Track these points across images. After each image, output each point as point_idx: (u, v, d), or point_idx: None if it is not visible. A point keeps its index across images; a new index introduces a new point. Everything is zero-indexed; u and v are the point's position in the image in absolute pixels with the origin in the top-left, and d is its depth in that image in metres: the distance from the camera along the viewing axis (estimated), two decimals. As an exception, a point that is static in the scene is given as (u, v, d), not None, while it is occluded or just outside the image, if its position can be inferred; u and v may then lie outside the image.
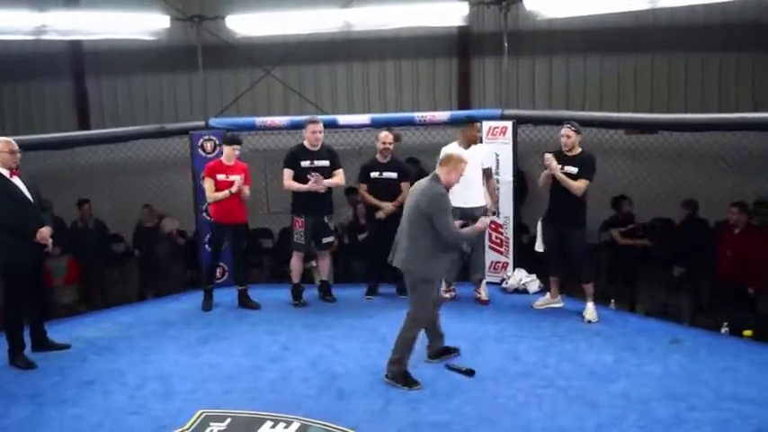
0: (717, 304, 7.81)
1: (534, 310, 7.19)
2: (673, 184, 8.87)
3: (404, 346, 5.50)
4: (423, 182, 5.56)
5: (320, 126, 7.52)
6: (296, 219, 7.62)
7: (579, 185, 6.64)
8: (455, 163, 5.52)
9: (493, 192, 7.59)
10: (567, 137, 6.75)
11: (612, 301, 7.74)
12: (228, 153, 7.44)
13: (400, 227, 5.63)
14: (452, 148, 7.46)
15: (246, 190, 7.48)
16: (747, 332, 6.63)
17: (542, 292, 7.53)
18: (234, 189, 7.29)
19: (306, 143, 7.53)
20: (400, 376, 5.48)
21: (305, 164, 7.46)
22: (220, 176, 7.37)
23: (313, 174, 7.37)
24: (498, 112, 8.18)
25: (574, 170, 6.67)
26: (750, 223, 7.99)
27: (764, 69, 10.84)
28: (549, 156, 6.67)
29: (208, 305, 7.56)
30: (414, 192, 5.55)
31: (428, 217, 5.30)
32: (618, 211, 9.27)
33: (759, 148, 7.18)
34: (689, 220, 8.84)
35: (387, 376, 5.55)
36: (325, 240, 7.73)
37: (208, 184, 7.41)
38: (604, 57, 11.37)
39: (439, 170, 5.52)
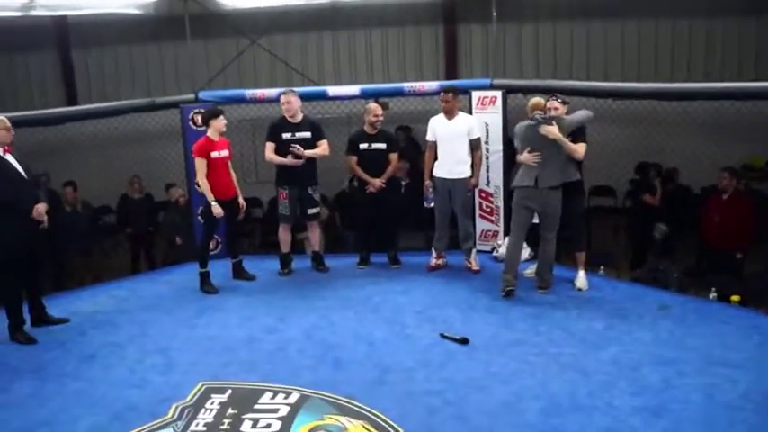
0: (704, 270, 7.92)
1: (525, 278, 7.19)
2: (660, 150, 9.02)
3: (552, 259, 6.86)
4: (532, 120, 6.69)
5: (289, 97, 7.49)
6: (280, 191, 7.66)
7: (579, 148, 6.69)
8: (538, 104, 6.84)
9: (479, 163, 7.63)
10: (555, 109, 6.78)
11: (602, 267, 7.81)
12: (218, 126, 7.22)
13: (534, 159, 6.60)
14: (438, 120, 7.54)
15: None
16: (735, 298, 6.67)
17: (533, 260, 7.50)
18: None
19: (285, 115, 7.56)
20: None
21: (286, 136, 7.45)
22: (214, 154, 7.17)
23: (293, 146, 7.39)
24: (487, 81, 8.19)
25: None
26: (738, 188, 8.07)
27: (749, 37, 10.92)
28: (549, 128, 6.63)
29: (212, 288, 7.32)
30: (530, 127, 6.69)
31: (566, 126, 6.56)
32: (644, 176, 9.49)
33: (743, 114, 7.26)
34: (671, 183, 9.01)
35: (542, 288, 6.86)
36: (311, 212, 7.76)
37: (200, 164, 7.13)
38: (590, 23, 11.40)
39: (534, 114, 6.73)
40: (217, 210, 7.13)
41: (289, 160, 7.41)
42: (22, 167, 6.05)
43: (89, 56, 12.27)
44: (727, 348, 5.47)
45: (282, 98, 7.52)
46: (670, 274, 7.57)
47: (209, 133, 7.26)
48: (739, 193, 8.10)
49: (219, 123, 7.25)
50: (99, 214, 10.62)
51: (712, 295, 6.81)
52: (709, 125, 8.09)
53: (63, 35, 12.06)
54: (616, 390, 4.88)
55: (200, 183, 7.21)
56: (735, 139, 8.64)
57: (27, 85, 12.27)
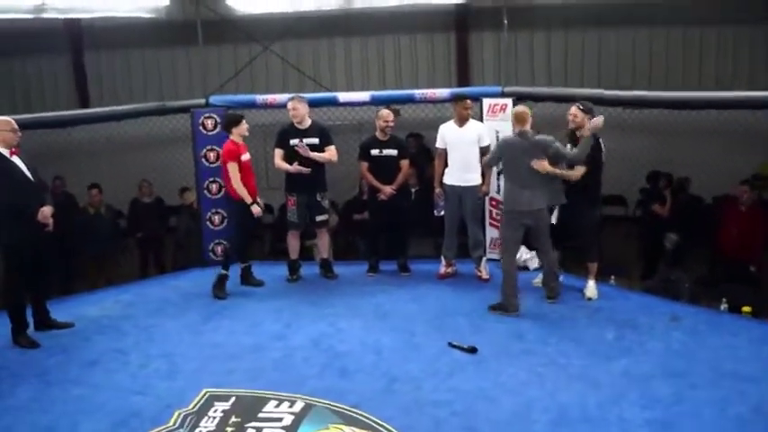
0: (716, 280, 7.85)
1: (534, 287, 7.14)
2: (670, 159, 8.96)
3: (555, 268, 6.86)
4: (522, 140, 6.49)
5: (296, 103, 7.45)
6: (288, 197, 7.63)
7: (575, 172, 6.62)
8: (523, 116, 6.54)
9: (489, 171, 7.59)
10: (574, 116, 6.70)
11: (612, 277, 7.73)
12: (241, 131, 7.24)
13: (518, 178, 6.50)
14: (448, 127, 7.49)
15: None
16: (746, 309, 6.62)
17: (542, 268, 7.46)
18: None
19: (293, 121, 7.52)
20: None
21: (294, 142, 7.40)
22: (244, 157, 7.22)
23: (299, 144, 7.34)
24: (498, 89, 8.14)
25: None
26: (756, 200, 8.05)
27: (760, 45, 10.86)
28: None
29: (223, 293, 7.28)
30: (519, 149, 6.49)
31: (555, 156, 6.44)
32: (654, 186, 9.43)
33: (750, 123, 7.22)
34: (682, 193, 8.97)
35: (551, 297, 6.80)
36: (319, 218, 7.69)
37: (233, 169, 7.13)
38: (602, 31, 11.37)
39: (522, 128, 6.51)
40: (256, 209, 7.21)
41: (294, 168, 7.37)
42: (30, 170, 6.01)
43: (102, 59, 12.30)
44: (739, 361, 5.40)
45: (289, 104, 7.49)
46: (681, 284, 7.50)
47: (234, 138, 7.26)
48: (756, 205, 8.08)
49: (242, 128, 7.28)
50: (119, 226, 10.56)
51: (723, 306, 6.75)
52: (719, 134, 8.03)
53: (76, 38, 12.13)
54: (626, 402, 4.81)
55: (235, 187, 7.17)
56: (745, 148, 8.57)
57: (39, 88, 12.34)
